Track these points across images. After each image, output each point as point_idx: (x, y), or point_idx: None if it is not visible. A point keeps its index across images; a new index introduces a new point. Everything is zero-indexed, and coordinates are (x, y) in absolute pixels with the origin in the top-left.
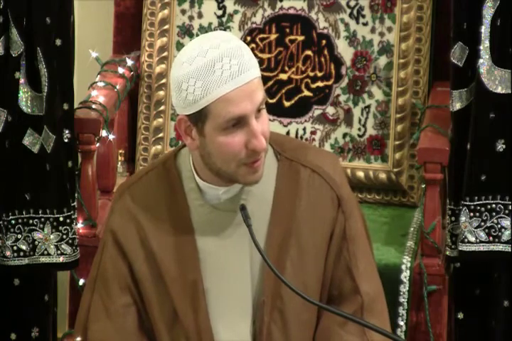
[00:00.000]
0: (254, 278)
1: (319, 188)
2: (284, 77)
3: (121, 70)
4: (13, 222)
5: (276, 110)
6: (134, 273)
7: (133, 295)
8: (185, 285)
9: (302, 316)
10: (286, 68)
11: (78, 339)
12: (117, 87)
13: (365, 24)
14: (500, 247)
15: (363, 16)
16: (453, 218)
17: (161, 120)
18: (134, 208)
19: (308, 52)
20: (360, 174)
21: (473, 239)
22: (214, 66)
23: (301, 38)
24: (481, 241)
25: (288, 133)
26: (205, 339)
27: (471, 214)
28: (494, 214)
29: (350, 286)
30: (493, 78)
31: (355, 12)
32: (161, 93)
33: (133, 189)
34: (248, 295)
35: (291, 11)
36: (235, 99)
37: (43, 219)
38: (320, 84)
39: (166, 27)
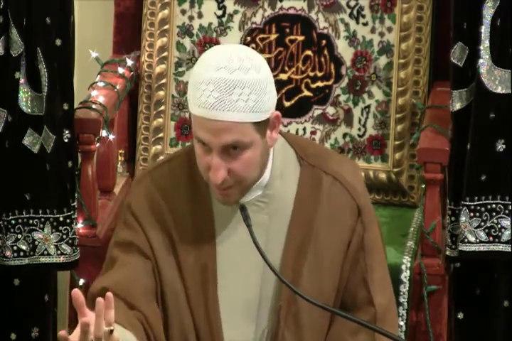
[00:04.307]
0: (265, 280)
1: (340, 196)
2: (284, 77)
3: (121, 70)
4: (13, 222)
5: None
6: (151, 244)
7: (151, 261)
8: (200, 274)
9: (316, 321)
10: (286, 68)
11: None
12: (117, 87)
13: (365, 24)
14: (500, 247)
15: (363, 16)
16: (453, 218)
17: (161, 120)
18: (153, 191)
19: (308, 52)
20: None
21: (473, 239)
22: (200, 85)
23: (301, 38)
24: (481, 241)
25: None
26: (214, 328)
27: (471, 214)
28: (494, 214)
29: (365, 297)
30: (493, 78)
31: (355, 12)
32: (161, 93)
33: (154, 173)
34: (256, 295)
35: (291, 11)
36: (202, 126)
37: (43, 219)
38: (320, 84)
39: (166, 27)
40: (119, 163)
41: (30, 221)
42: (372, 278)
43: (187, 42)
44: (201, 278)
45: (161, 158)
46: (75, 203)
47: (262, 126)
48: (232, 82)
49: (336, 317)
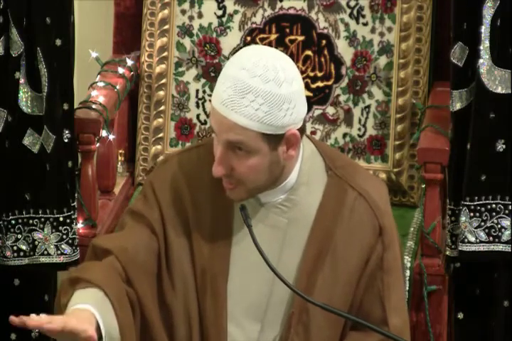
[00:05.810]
0: (278, 283)
1: (363, 213)
2: None
3: (121, 70)
4: (13, 222)
5: None
6: (164, 223)
7: (157, 238)
8: (212, 265)
9: (325, 332)
10: None
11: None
12: (117, 87)
13: (365, 24)
14: (500, 247)
15: (363, 16)
16: (453, 218)
17: (161, 120)
18: (179, 173)
19: (308, 52)
20: None
21: (473, 239)
22: (222, 77)
23: (301, 38)
24: (481, 241)
25: None
26: (219, 319)
27: (471, 214)
28: (494, 214)
29: (380, 316)
30: (493, 78)
31: (355, 12)
32: (161, 93)
33: (182, 156)
34: (265, 296)
35: (291, 11)
36: (213, 116)
37: (43, 219)
38: (320, 84)
39: (166, 27)
40: (119, 163)
41: (30, 221)
42: (389, 298)
43: (187, 42)
44: (212, 269)
45: (161, 157)
46: (75, 203)
47: (272, 140)
48: (247, 87)
49: (347, 330)
